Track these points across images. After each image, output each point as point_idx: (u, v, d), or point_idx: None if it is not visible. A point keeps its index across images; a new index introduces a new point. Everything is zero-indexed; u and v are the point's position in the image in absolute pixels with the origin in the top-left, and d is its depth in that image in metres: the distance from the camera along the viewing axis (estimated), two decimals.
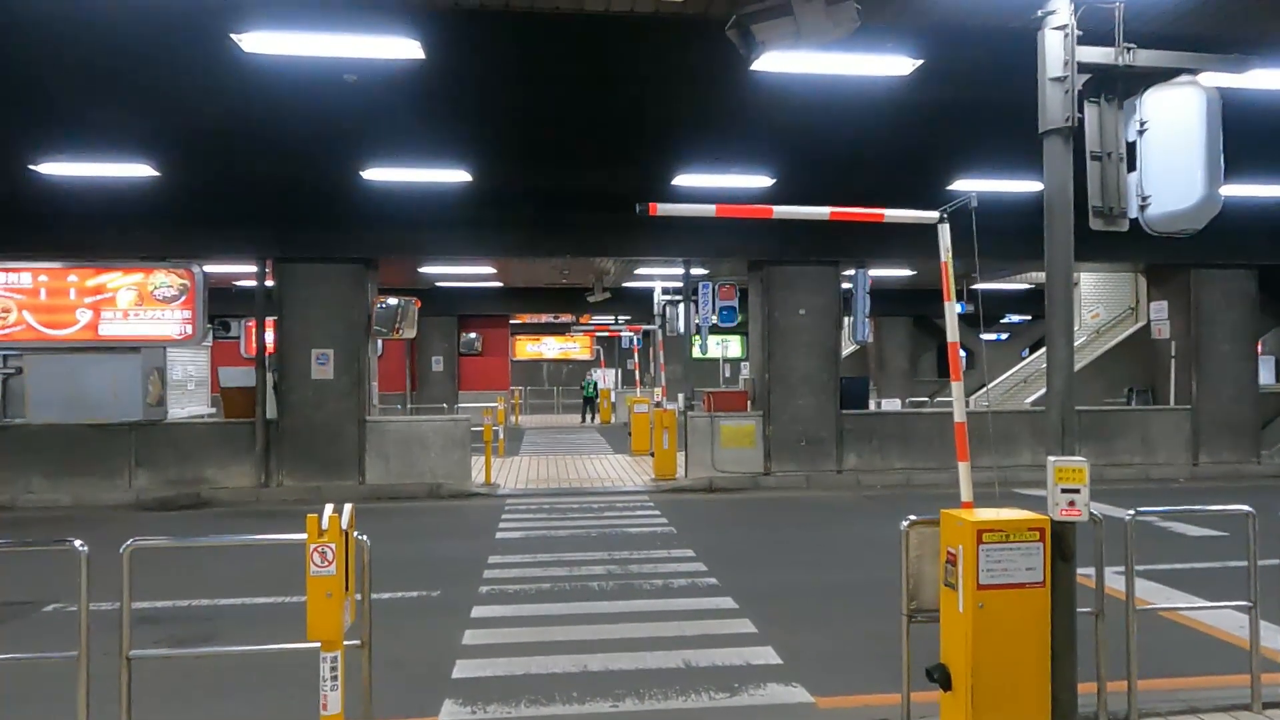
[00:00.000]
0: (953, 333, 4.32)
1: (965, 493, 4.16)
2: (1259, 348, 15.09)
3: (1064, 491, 3.73)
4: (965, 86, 7.88)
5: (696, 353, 17.13)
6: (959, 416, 4.23)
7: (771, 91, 7.67)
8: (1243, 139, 7.89)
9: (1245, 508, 4.51)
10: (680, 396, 15.26)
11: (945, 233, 4.32)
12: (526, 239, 13.06)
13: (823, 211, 4.45)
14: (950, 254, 4.31)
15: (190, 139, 9.60)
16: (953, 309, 4.33)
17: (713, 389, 15.21)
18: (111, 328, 11.81)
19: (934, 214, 4.32)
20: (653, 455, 13.72)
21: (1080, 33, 3.81)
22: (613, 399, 27.77)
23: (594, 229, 12.85)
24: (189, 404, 17.34)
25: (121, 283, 11.82)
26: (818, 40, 4.22)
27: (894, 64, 6.94)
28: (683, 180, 11.12)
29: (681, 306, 16.02)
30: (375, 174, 10.76)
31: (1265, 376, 20.54)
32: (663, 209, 4.20)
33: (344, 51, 6.57)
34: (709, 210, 4.42)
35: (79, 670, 3.72)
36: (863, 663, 5.26)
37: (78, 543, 3.82)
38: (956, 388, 4.25)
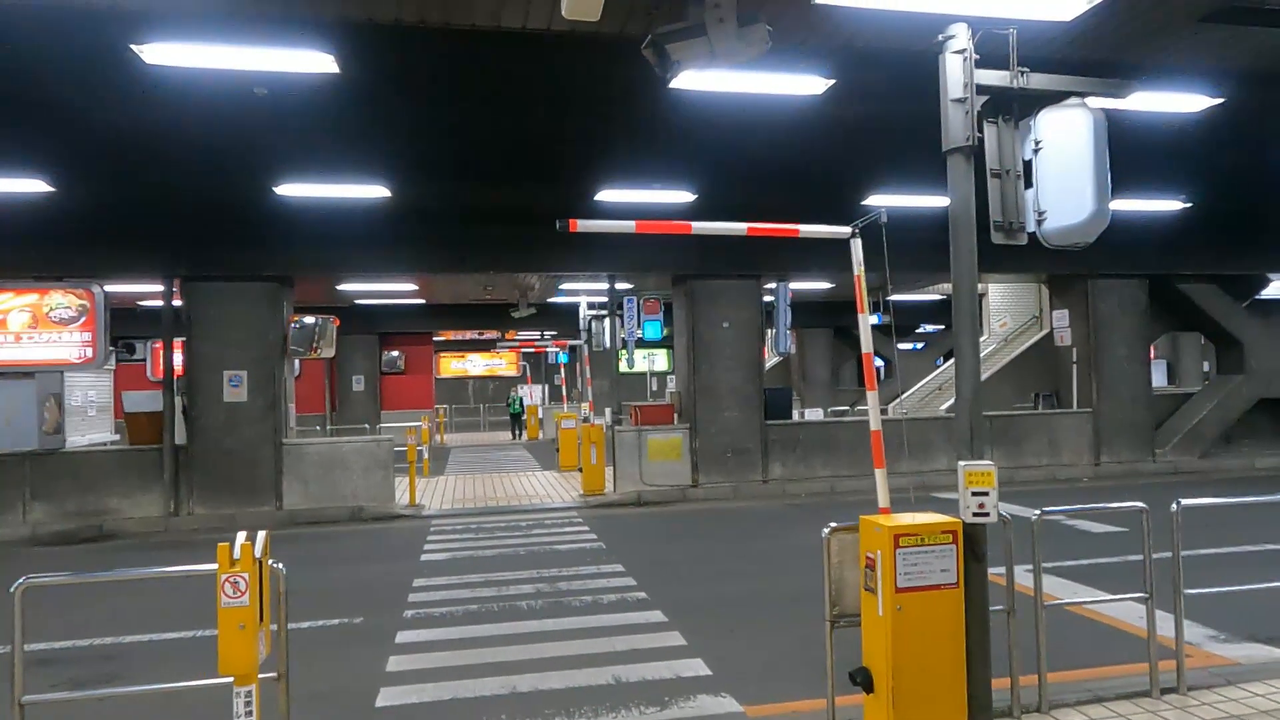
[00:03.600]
0: (866, 344, 4.46)
1: (883, 498, 4.29)
2: (1151, 353, 16.03)
3: (974, 494, 3.87)
4: (876, 106, 8.17)
5: (623, 367, 17.17)
6: (875, 424, 4.36)
7: (690, 109, 7.81)
8: (1132, 157, 8.43)
9: (1139, 504, 4.77)
10: (608, 411, 15.27)
11: (858, 247, 4.47)
12: (448, 255, 12.89)
13: (740, 227, 4.54)
14: (863, 267, 4.45)
15: (89, 153, 9.15)
16: (867, 321, 4.47)
17: (640, 403, 15.28)
18: (2, 352, 11.12)
19: (846, 229, 4.45)
20: (581, 471, 13.67)
21: (978, 57, 4.00)
22: (540, 415, 27.58)
23: (517, 244, 12.78)
24: (90, 431, 16.44)
25: (13, 304, 11.15)
26: (732, 60, 4.32)
27: (807, 83, 7.15)
28: (605, 196, 11.18)
29: (607, 321, 16.06)
30: (289, 189, 10.47)
31: (1158, 379, 21.89)
32: (583, 225, 4.21)
33: (253, 64, 6.39)
34: (629, 226, 4.46)
35: None
36: (790, 670, 5.34)
37: None
38: (871, 397, 4.38)
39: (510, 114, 8.44)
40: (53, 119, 8.07)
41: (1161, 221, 13.77)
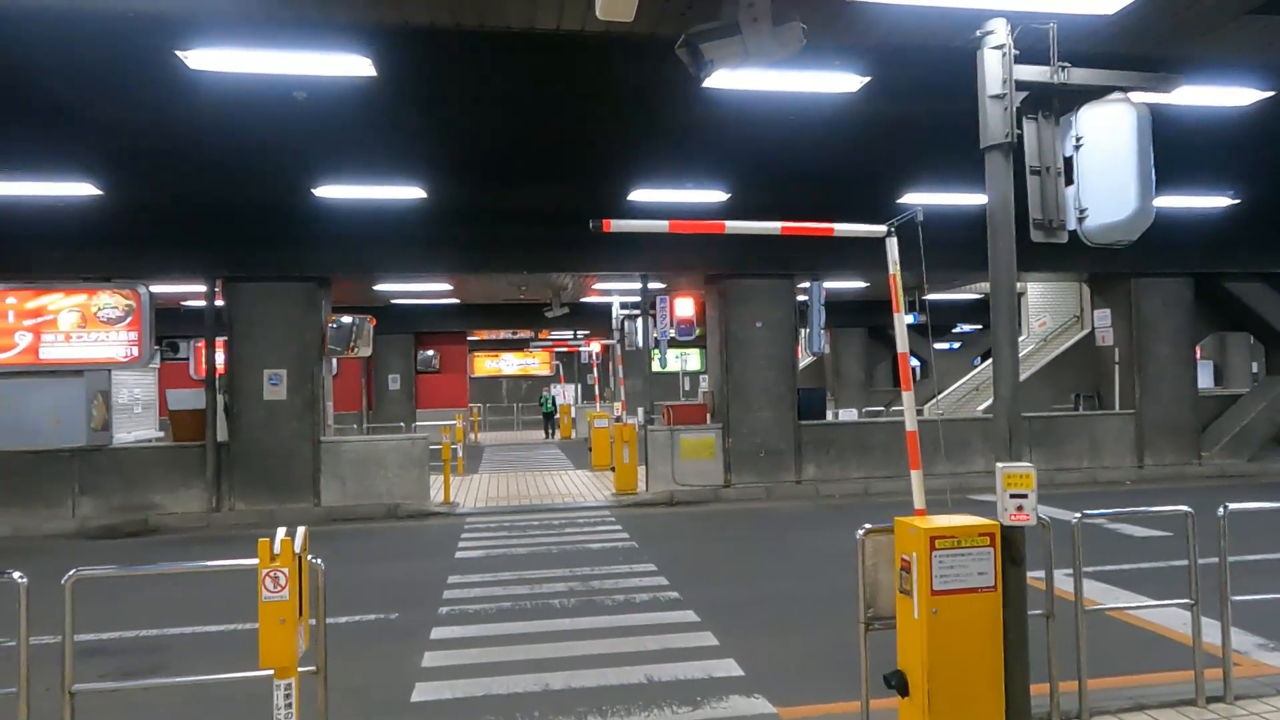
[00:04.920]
0: (902, 343, 4.41)
1: (918, 500, 4.24)
2: (1197, 353, 15.63)
3: (1013, 497, 3.81)
4: (912, 103, 8.07)
5: (656, 366, 17.17)
6: (910, 425, 4.31)
7: (723, 108, 7.78)
8: (1176, 153, 8.23)
9: (1185, 508, 4.66)
10: (640, 410, 15.27)
11: (893, 246, 4.42)
12: (483, 255, 13.01)
13: (774, 227, 4.52)
14: (898, 266, 4.41)
15: (135, 157, 9.39)
16: (902, 320, 4.43)
17: (672, 402, 15.26)
18: (53, 351, 11.45)
19: (882, 228, 4.41)
20: (613, 470, 13.69)
21: (1017, 52, 3.93)
22: (573, 414, 27.69)
23: (551, 244, 12.85)
24: (136, 428, 16.89)
25: (63, 304, 11.48)
26: (765, 59, 4.30)
27: (842, 81, 7.09)
28: (638, 195, 11.19)
29: (640, 320, 16.07)
30: (327, 191, 10.64)
31: (1204, 381, 21.33)
32: (616, 225, 4.23)
33: (293, 69, 6.51)
34: (662, 226, 4.46)
35: (19, 706, 3.59)
36: (823, 672, 5.31)
37: (17, 574, 3.69)
38: (907, 397, 4.33)
39: (544, 115, 8.49)
40: (101, 123, 8.28)
41: (1208, 219, 13.42)
